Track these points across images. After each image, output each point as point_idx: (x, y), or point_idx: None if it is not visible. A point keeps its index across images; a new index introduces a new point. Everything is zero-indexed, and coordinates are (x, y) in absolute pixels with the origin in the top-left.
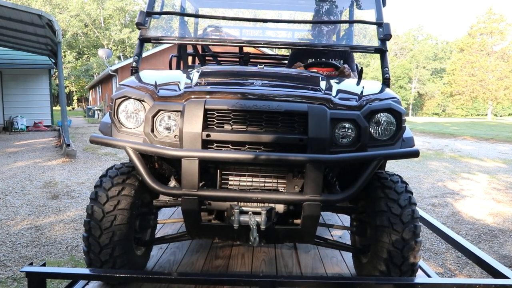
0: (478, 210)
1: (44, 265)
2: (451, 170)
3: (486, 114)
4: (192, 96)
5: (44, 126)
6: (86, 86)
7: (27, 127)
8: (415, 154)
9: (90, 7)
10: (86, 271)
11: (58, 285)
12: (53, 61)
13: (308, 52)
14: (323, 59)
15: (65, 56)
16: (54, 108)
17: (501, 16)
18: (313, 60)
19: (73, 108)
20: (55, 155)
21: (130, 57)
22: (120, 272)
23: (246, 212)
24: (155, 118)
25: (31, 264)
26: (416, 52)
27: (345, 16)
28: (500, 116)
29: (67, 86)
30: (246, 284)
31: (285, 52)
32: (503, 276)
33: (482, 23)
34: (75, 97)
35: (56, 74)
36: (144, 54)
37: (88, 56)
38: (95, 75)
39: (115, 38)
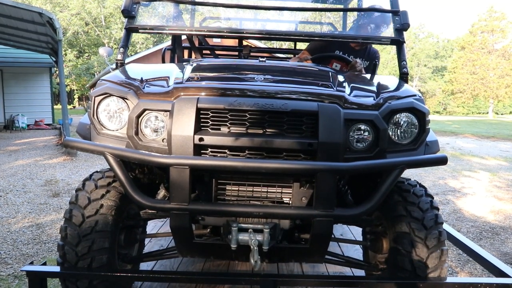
0: (480, 207)
1: (44, 264)
2: (452, 168)
3: (487, 112)
4: (183, 93)
5: (45, 124)
6: (87, 85)
7: (28, 125)
8: (443, 161)
9: (90, 5)
10: (86, 270)
11: (60, 282)
12: (54, 59)
13: (331, 48)
14: (351, 57)
15: (66, 54)
16: (55, 106)
17: (503, 14)
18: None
19: (74, 107)
20: (56, 153)
21: (131, 55)
22: (121, 271)
23: (245, 230)
24: (140, 119)
25: (31, 263)
26: (417, 50)
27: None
28: (501, 114)
29: (68, 85)
30: (247, 283)
31: (289, 46)
32: (505, 275)
33: (483, 21)
34: (76, 96)
35: (57, 72)
36: (145, 53)
37: (89, 55)
38: (96, 74)
39: (116, 37)
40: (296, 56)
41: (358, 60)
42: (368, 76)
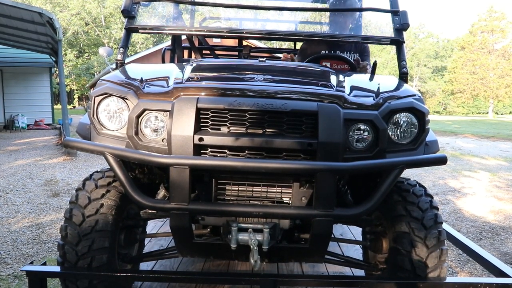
0: (479, 207)
1: (44, 264)
2: (452, 168)
3: (487, 112)
4: (183, 93)
5: (45, 124)
6: (87, 85)
7: (28, 125)
8: (442, 160)
9: (90, 5)
10: (86, 270)
11: (60, 282)
12: (54, 59)
13: (320, 45)
14: (337, 52)
15: (66, 54)
16: (55, 106)
17: (502, 14)
18: (326, 52)
19: (74, 107)
20: (56, 153)
21: (131, 55)
22: (121, 271)
23: (245, 229)
24: (140, 119)
25: (31, 263)
26: (417, 50)
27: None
28: (501, 114)
29: (68, 85)
30: (247, 283)
31: (288, 46)
32: (505, 275)
33: (483, 21)
34: (76, 96)
35: (57, 72)
36: (145, 53)
37: (89, 55)
38: (96, 74)
39: (116, 37)
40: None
41: (366, 62)
42: (367, 76)
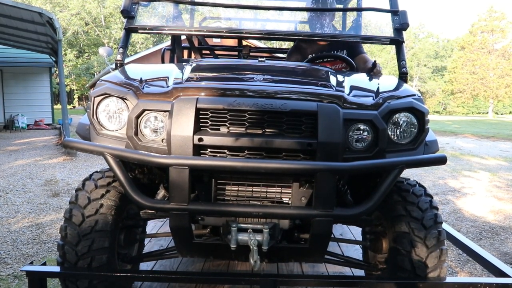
0: (479, 207)
1: (44, 264)
2: (452, 168)
3: (487, 112)
4: (182, 94)
5: (45, 124)
6: (87, 85)
7: (27, 125)
8: (442, 160)
9: (90, 5)
10: (86, 270)
11: (60, 282)
12: (54, 59)
13: (311, 44)
14: (325, 52)
15: (65, 54)
16: (55, 106)
17: (502, 14)
18: (315, 52)
19: (74, 107)
20: (55, 153)
21: (131, 55)
22: (121, 271)
23: (245, 230)
24: (139, 119)
25: (31, 263)
26: (417, 50)
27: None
28: (501, 114)
29: (68, 85)
30: (247, 283)
31: (288, 46)
32: (505, 275)
33: (483, 21)
34: (76, 96)
35: (57, 72)
36: (144, 53)
37: (88, 55)
38: (95, 74)
39: (116, 37)
40: None
41: (377, 63)
42: (367, 75)
